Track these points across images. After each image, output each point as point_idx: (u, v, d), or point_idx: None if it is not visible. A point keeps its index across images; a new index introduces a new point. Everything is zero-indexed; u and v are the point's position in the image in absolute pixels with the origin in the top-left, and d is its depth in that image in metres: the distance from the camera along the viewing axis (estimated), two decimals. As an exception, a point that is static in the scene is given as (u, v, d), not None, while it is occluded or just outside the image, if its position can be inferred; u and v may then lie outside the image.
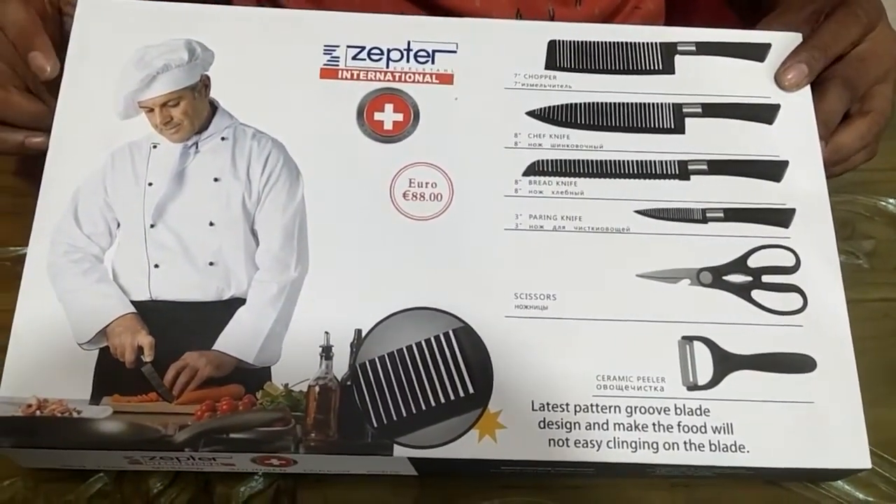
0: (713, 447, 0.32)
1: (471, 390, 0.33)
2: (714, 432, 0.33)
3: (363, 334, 0.33)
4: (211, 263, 0.34)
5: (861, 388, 0.33)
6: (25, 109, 0.36)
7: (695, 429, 0.33)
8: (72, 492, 0.35)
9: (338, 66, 0.38)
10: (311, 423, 0.32)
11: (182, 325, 0.33)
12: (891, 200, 0.44)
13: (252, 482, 0.35)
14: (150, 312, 0.34)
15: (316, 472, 0.34)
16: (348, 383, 0.33)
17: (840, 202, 0.43)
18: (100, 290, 0.34)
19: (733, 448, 0.32)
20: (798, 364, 0.34)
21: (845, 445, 0.33)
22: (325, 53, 0.38)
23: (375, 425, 0.32)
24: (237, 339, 0.33)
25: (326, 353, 0.33)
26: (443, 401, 0.33)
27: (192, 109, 0.36)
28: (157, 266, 0.34)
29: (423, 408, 0.33)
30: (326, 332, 0.33)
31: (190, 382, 0.33)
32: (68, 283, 0.34)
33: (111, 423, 0.32)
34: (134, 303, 0.34)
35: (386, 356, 0.33)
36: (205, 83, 0.37)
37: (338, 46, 0.38)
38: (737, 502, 0.35)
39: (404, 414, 0.32)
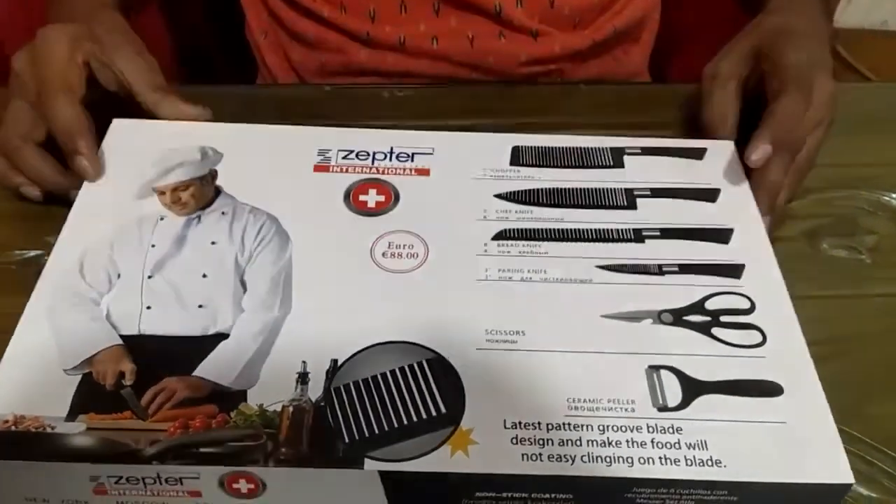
0: (689, 462, 0.32)
1: (443, 410, 0.33)
2: (689, 448, 0.32)
3: (339, 363, 0.35)
4: (200, 306, 0.37)
5: (862, 384, 0.33)
6: (33, 167, 0.41)
7: (669, 445, 0.32)
8: None
9: (329, 163, 0.44)
10: (283, 439, 0.32)
11: (166, 356, 0.35)
12: (893, 195, 0.45)
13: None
14: (136, 345, 0.35)
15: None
16: (322, 404, 0.33)
17: (842, 197, 0.44)
18: (91, 325, 0.36)
19: (709, 462, 0.32)
20: (765, 389, 0.34)
21: (823, 461, 0.32)
22: (318, 154, 0.44)
23: (347, 441, 0.32)
24: (217, 367, 0.34)
25: (302, 378, 0.34)
26: (415, 419, 0.33)
27: (199, 193, 0.41)
28: (149, 308, 0.36)
29: (396, 425, 0.33)
30: (304, 361, 0.35)
31: (166, 403, 0.33)
32: (62, 319, 0.36)
33: (83, 438, 0.32)
34: (122, 336, 0.35)
35: (360, 381, 0.34)
36: (213, 175, 0.43)
37: (330, 150, 0.44)
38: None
39: (376, 431, 0.32)
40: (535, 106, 0.50)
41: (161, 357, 0.35)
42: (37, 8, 0.53)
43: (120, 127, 0.45)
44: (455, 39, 0.56)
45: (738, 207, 0.42)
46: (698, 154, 0.45)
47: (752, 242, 0.40)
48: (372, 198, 0.42)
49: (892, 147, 0.46)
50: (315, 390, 0.34)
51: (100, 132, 0.43)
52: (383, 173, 0.43)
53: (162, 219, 0.40)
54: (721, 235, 0.41)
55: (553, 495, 0.32)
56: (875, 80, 0.99)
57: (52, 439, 0.32)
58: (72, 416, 0.33)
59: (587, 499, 0.32)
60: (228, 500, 0.33)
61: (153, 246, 0.39)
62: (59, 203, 0.42)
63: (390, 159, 0.44)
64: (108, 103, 0.43)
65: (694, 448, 0.32)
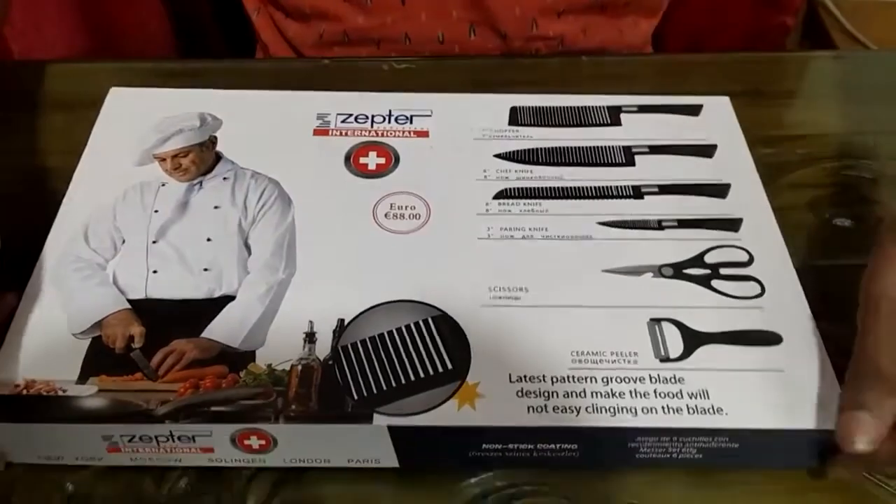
0: (691, 410, 0.33)
1: (449, 366, 0.34)
2: (690, 398, 0.33)
3: (345, 322, 0.35)
4: (205, 269, 0.37)
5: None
6: None
7: (671, 395, 0.33)
8: (85, 466, 0.34)
9: (329, 126, 0.44)
10: (293, 397, 0.33)
11: (173, 318, 0.35)
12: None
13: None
14: (144, 309, 0.35)
15: (296, 461, 0.34)
16: (330, 362, 0.34)
17: (846, 166, 0.44)
18: (98, 290, 0.36)
19: (711, 411, 0.32)
20: (764, 338, 0.35)
21: (821, 408, 0.33)
22: (317, 119, 0.44)
23: (356, 397, 0.33)
24: (224, 328, 0.35)
25: (310, 338, 0.35)
26: (422, 375, 0.33)
27: (199, 159, 0.41)
28: (155, 272, 0.37)
29: (403, 381, 0.33)
30: (310, 321, 0.35)
31: (176, 364, 0.34)
32: (69, 285, 0.36)
33: (95, 400, 0.32)
34: (130, 301, 0.36)
35: (367, 339, 0.35)
36: (213, 141, 0.43)
37: (329, 114, 0.44)
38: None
39: (384, 387, 0.33)
40: (536, 78, 0.50)
41: (169, 320, 0.35)
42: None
43: (118, 95, 0.45)
44: None
45: (735, 162, 0.42)
46: (694, 111, 0.45)
47: (748, 196, 0.41)
48: (372, 160, 0.42)
49: (896, 116, 0.46)
50: (322, 349, 0.34)
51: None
52: (382, 136, 0.43)
53: (163, 185, 0.40)
54: (718, 190, 0.41)
55: (558, 446, 0.33)
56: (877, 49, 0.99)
57: (63, 402, 0.32)
58: (82, 378, 0.33)
59: (592, 449, 0.33)
60: (241, 456, 0.33)
61: (156, 211, 0.39)
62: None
63: (389, 122, 0.44)
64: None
65: (695, 397, 0.33)
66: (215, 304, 0.36)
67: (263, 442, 0.33)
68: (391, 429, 0.32)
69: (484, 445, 0.33)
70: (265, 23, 0.62)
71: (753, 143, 0.44)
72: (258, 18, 0.62)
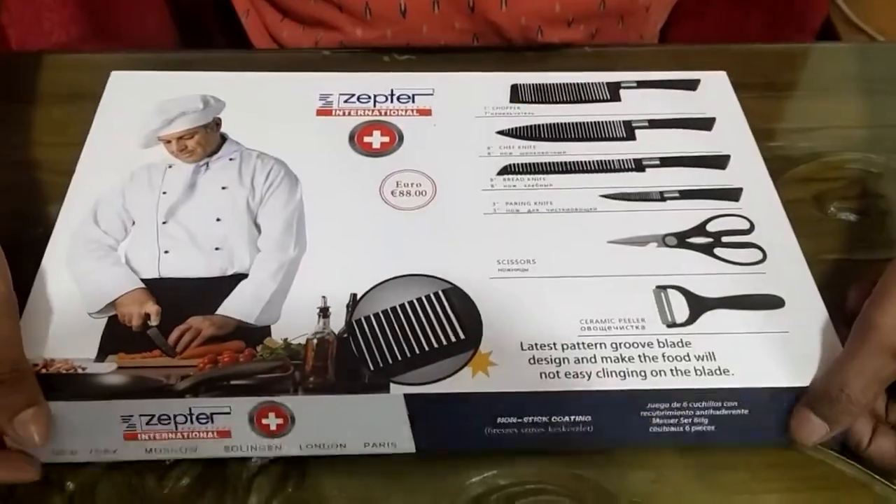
0: (699, 372, 0.33)
1: (462, 336, 0.34)
2: (697, 360, 0.34)
3: (358, 297, 0.36)
4: (217, 248, 0.37)
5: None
6: None
7: (679, 358, 0.34)
8: (86, 464, 0.34)
9: (332, 107, 0.44)
10: (310, 369, 0.33)
11: (187, 296, 0.36)
12: (903, 157, 0.43)
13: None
14: (158, 288, 0.36)
15: (312, 447, 0.34)
16: (345, 336, 0.34)
17: (850, 160, 0.44)
18: (112, 270, 0.36)
19: (718, 372, 0.33)
20: (767, 302, 0.36)
21: (820, 364, 0.34)
22: (320, 99, 0.45)
23: (372, 368, 0.33)
24: (239, 305, 0.35)
25: (324, 312, 0.35)
26: (435, 345, 0.34)
27: (204, 140, 0.42)
28: (166, 252, 0.37)
29: (417, 352, 0.34)
30: (323, 297, 0.36)
31: (193, 341, 0.34)
32: (83, 266, 0.36)
33: (115, 377, 0.33)
34: (143, 280, 0.36)
35: (380, 313, 0.35)
36: (217, 122, 0.43)
37: (331, 94, 0.45)
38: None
39: (399, 357, 0.34)
40: (538, 69, 0.50)
41: (183, 298, 0.36)
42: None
43: (119, 79, 0.45)
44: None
45: (733, 134, 0.43)
46: (692, 85, 0.46)
47: (748, 167, 0.42)
48: (377, 139, 0.43)
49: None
50: (337, 324, 0.35)
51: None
52: (386, 115, 0.44)
53: (170, 167, 0.41)
54: (718, 161, 0.42)
55: (572, 419, 0.34)
56: (883, 41, 0.98)
57: (83, 379, 0.33)
58: (101, 357, 0.33)
59: (605, 420, 0.34)
60: (257, 441, 0.34)
61: (164, 193, 0.39)
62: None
63: (391, 101, 0.45)
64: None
65: (702, 360, 0.34)
66: (228, 282, 0.36)
67: (281, 421, 0.33)
68: (407, 399, 0.33)
69: (499, 420, 0.34)
70: (256, 27, 0.59)
71: (758, 137, 0.43)
72: (248, 21, 0.59)
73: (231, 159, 0.41)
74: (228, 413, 0.33)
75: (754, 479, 0.35)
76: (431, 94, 0.45)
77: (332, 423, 0.33)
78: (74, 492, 0.34)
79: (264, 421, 0.33)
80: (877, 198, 0.45)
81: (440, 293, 0.36)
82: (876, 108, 0.50)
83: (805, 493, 0.35)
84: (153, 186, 0.40)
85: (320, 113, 0.44)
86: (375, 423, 0.34)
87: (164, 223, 0.38)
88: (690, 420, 0.34)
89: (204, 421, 0.33)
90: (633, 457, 0.35)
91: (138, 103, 0.43)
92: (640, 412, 0.34)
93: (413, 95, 0.45)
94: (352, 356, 0.34)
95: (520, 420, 0.34)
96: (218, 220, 0.38)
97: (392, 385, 0.33)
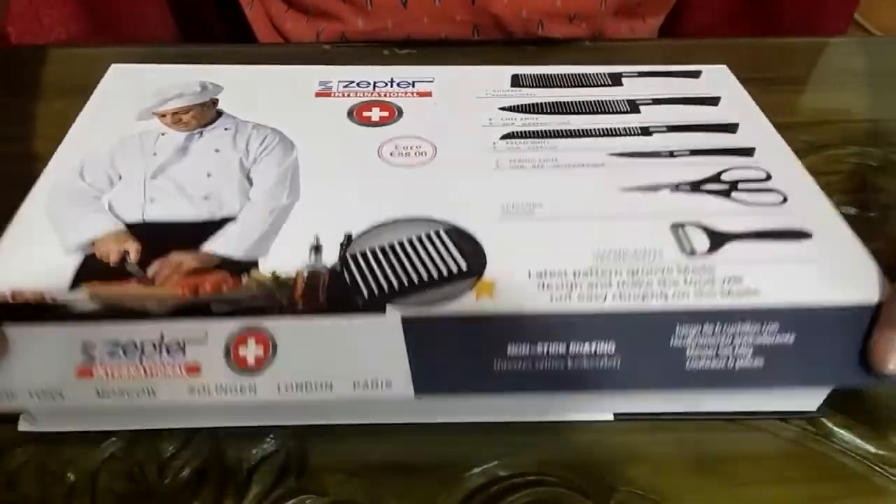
0: (724, 293, 0.30)
1: (464, 267, 0.32)
2: (723, 283, 0.31)
3: (353, 236, 0.33)
4: (206, 198, 0.35)
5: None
6: None
7: (702, 281, 0.31)
8: (86, 457, 0.32)
9: (331, 90, 0.44)
10: (299, 296, 0.30)
11: (172, 238, 0.33)
12: (903, 151, 0.43)
13: (264, 444, 0.32)
14: (141, 230, 0.34)
15: (292, 387, 0.30)
16: (338, 269, 0.32)
17: (851, 154, 0.43)
18: (92, 215, 0.34)
19: (747, 292, 0.30)
20: (793, 235, 0.33)
21: (859, 281, 0.31)
22: (319, 84, 0.44)
23: (366, 295, 0.30)
24: (224, 242, 0.33)
25: (316, 249, 0.33)
26: (436, 276, 0.31)
27: (200, 114, 0.41)
28: (152, 200, 0.35)
29: (416, 282, 0.31)
30: (316, 235, 0.33)
31: (173, 274, 0.31)
32: (63, 212, 0.34)
33: (83, 304, 0.30)
34: (127, 225, 0.34)
35: (377, 248, 0.33)
36: (214, 101, 0.42)
37: (331, 81, 0.45)
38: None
39: (396, 287, 0.31)
40: (539, 63, 0.50)
41: (166, 239, 0.33)
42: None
43: (118, 71, 0.45)
44: None
45: (740, 106, 0.42)
46: (695, 75, 0.46)
47: (759, 130, 0.40)
48: (376, 113, 0.42)
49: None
50: (330, 260, 0.32)
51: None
52: (385, 96, 0.43)
53: (163, 134, 0.40)
54: (728, 127, 0.41)
55: (593, 348, 0.30)
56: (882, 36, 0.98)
57: (50, 307, 0.30)
58: (74, 287, 0.31)
59: (631, 350, 0.30)
60: (230, 378, 0.30)
61: (154, 154, 0.38)
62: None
63: (391, 86, 0.44)
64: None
65: (728, 282, 0.31)
66: (216, 226, 0.34)
67: (261, 351, 0.30)
68: (405, 323, 0.30)
69: (509, 351, 0.30)
70: (259, 17, 0.60)
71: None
72: (251, 12, 0.60)
73: (226, 129, 0.40)
74: (203, 340, 0.29)
75: (757, 469, 0.32)
76: (432, 81, 0.45)
77: (319, 356, 0.30)
78: (75, 482, 0.31)
79: (241, 352, 0.30)
80: (878, 191, 0.43)
81: (440, 231, 0.33)
82: (878, 103, 0.50)
83: (808, 484, 0.32)
84: (144, 149, 0.38)
85: (319, 95, 0.43)
86: (369, 355, 0.30)
87: (152, 178, 0.37)
88: (731, 352, 0.30)
89: (174, 352, 0.29)
90: (635, 448, 0.33)
91: (135, 89, 0.43)
92: (670, 341, 0.30)
93: (413, 81, 0.45)
94: (345, 285, 0.31)
95: (533, 350, 0.30)
96: (209, 175, 0.37)
97: (389, 307, 0.30)
